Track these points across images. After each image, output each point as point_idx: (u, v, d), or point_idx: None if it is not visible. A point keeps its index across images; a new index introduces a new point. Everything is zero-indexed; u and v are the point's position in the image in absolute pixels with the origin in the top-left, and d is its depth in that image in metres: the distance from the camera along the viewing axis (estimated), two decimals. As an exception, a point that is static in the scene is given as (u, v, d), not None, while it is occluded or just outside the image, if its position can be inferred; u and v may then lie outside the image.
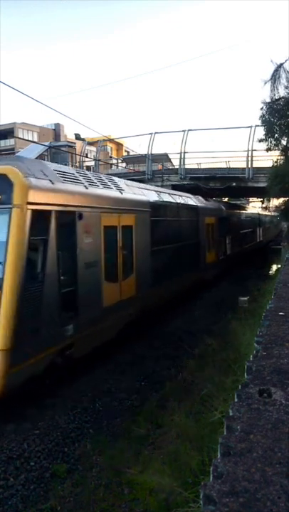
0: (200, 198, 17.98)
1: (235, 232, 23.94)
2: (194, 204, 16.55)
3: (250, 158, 18.61)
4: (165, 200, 13.38)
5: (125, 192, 10.35)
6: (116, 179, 11.13)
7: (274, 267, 24.05)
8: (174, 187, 18.75)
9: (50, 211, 6.86)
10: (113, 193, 9.64)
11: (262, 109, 12.42)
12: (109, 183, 9.80)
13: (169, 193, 14.46)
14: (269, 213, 36.99)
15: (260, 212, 36.10)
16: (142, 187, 12.32)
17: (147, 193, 12.05)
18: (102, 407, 7.21)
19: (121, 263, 9.50)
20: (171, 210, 13.68)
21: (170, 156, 22.08)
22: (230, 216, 22.97)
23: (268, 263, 26.66)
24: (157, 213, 11.97)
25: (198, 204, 17.04)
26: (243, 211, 29.72)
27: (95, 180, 9.15)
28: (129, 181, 12.12)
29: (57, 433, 6.26)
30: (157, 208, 12.12)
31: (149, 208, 11.35)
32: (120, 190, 10.14)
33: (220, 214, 20.35)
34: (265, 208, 27.59)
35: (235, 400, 2.17)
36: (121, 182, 10.95)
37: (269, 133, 12.93)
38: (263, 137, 13.25)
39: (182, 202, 15.14)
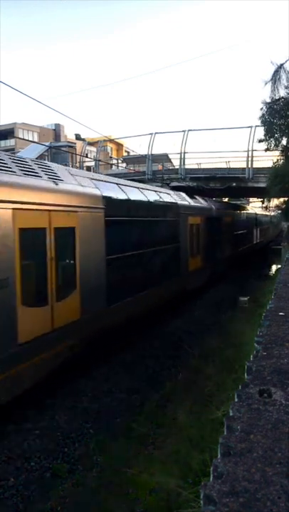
0: (182, 194, 15.87)
1: (227, 233, 22.06)
2: (173, 201, 14.05)
3: (250, 159, 18.61)
4: (129, 195, 10.71)
5: (64, 182, 7.85)
6: (53, 165, 8.50)
7: (273, 268, 24.02)
8: (174, 187, 18.73)
9: None
10: (41, 183, 7.14)
11: (262, 109, 12.45)
12: (37, 170, 7.39)
13: (136, 187, 11.99)
14: (268, 213, 36.80)
15: (258, 212, 34.74)
16: (95, 178, 9.78)
17: (103, 186, 9.47)
18: (102, 407, 7.22)
19: (53, 278, 7.10)
20: (138, 207, 11.17)
21: (170, 156, 22.07)
22: (221, 216, 20.75)
23: (267, 264, 26.54)
24: (116, 212, 9.48)
25: (179, 201, 14.56)
26: (238, 211, 27.61)
27: (11, 165, 6.74)
28: (77, 170, 9.64)
29: (57, 433, 6.28)
30: (116, 205, 9.63)
31: (102, 205, 8.85)
32: (55, 179, 7.65)
33: (208, 213, 18.07)
34: (266, 208, 27.37)
35: (236, 400, 2.18)
36: (61, 170, 8.39)
37: (269, 133, 12.96)
38: (263, 137, 13.29)
39: (156, 198, 12.65)
